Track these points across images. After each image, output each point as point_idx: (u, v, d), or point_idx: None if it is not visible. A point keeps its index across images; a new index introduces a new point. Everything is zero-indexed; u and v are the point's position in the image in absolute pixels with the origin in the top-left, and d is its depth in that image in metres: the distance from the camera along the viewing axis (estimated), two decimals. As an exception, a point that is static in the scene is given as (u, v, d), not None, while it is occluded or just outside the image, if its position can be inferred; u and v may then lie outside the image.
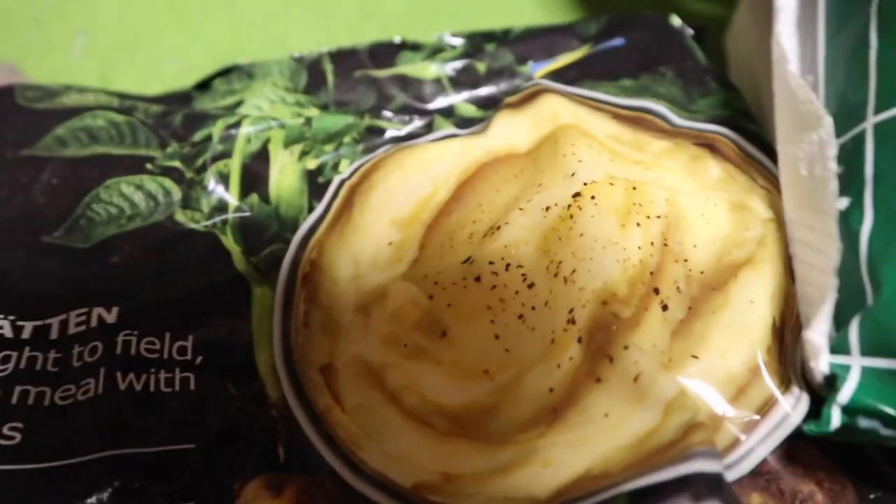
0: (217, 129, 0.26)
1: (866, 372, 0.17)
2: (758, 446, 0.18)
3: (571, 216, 0.21)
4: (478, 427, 0.19)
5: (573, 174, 0.22)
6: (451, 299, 0.21)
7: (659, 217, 0.22)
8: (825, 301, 0.18)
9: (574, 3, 0.38)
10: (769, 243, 0.21)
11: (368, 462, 0.19)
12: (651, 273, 0.21)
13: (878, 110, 0.19)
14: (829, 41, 0.22)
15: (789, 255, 0.21)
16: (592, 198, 0.21)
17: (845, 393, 0.17)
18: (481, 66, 0.29)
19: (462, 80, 0.29)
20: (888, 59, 0.19)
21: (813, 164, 0.20)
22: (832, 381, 0.17)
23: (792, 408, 0.19)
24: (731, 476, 0.17)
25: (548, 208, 0.22)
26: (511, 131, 0.26)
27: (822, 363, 0.18)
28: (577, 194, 0.22)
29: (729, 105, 0.27)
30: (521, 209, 0.22)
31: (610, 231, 0.21)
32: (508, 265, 0.21)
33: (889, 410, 0.16)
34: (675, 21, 0.30)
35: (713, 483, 0.16)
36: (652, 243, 0.21)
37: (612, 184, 0.22)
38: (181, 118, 0.27)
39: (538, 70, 0.30)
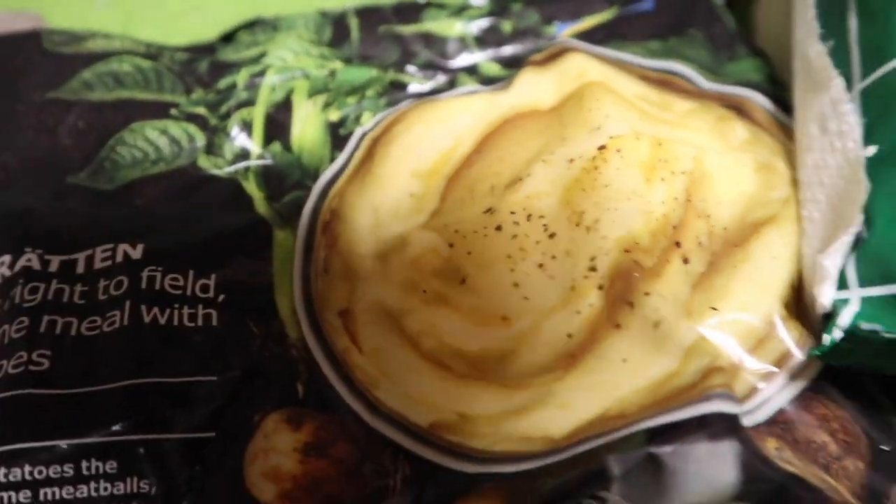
0: (242, 77, 0.27)
1: (865, 300, 0.17)
2: (775, 396, 0.19)
3: (596, 167, 0.22)
4: (495, 371, 0.20)
5: (599, 128, 0.23)
6: (471, 248, 0.22)
7: (684, 173, 0.22)
8: (846, 234, 0.18)
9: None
10: (795, 203, 0.22)
11: (385, 402, 0.20)
12: (674, 227, 0.21)
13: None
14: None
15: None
16: (618, 151, 0.22)
17: (845, 317, 0.17)
18: (507, 26, 0.30)
19: (487, 39, 0.29)
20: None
21: (826, 122, 0.21)
22: (834, 310, 0.18)
23: (796, 347, 0.19)
24: (747, 422, 0.18)
25: (572, 160, 0.22)
26: (535, 88, 0.26)
27: (826, 294, 0.18)
28: (602, 147, 0.22)
29: (758, 70, 0.27)
30: (543, 161, 0.23)
31: (634, 184, 0.21)
32: (530, 215, 0.22)
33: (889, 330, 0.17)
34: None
35: (731, 424, 0.16)
36: (676, 198, 0.21)
37: (638, 139, 0.22)
38: (207, 65, 0.27)
39: (563, 31, 0.30)
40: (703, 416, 0.16)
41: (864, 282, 0.18)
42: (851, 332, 0.17)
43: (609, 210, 0.20)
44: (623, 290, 0.19)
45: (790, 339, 0.20)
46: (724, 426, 0.16)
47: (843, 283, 0.18)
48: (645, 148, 0.22)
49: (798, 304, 0.20)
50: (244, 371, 0.20)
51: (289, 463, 0.18)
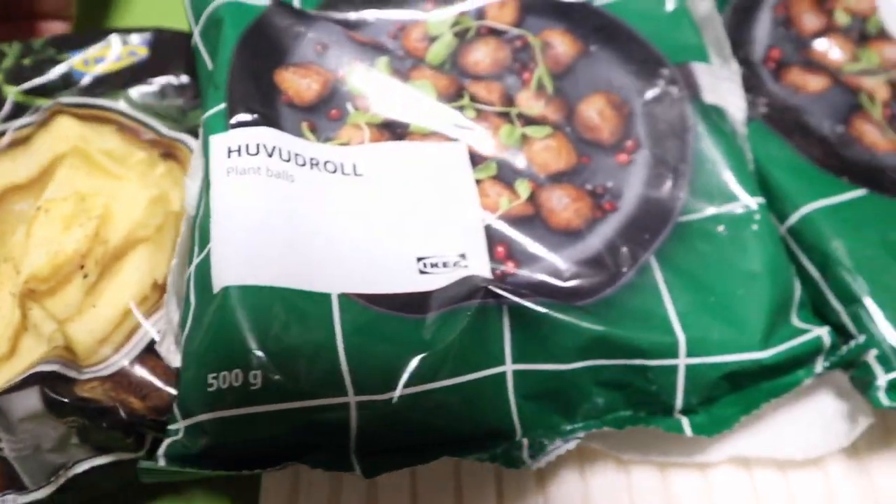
0: None
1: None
2: (122, 359, 0.33)
3: (31, 224, 0.35)
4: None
5: (46, 193, 0.36)
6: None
7: (96, 217, 0.35)
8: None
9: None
10: (166, 229, 0.36)
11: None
12: (82, 255, 0.35)
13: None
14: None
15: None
16: (46, 210, 0.35)
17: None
18: (27, 62, 0.42)
19: (12, 77, 0.41)
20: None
21: None
22: None
23: (152, 325, 0.34)
24: (69, 375, 0.32)
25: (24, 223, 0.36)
26: (9, 172, 0.38)
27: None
28: (38, 208, 0.35)
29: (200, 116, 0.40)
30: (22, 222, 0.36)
31: (52, 233, 0.35)
32: (6, 260, 0.35)
33: None
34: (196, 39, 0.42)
35: (49, 375, 0.31)
36: (87, 236, 0.35)
37: (65, 200, 0.36)
38: None
39: (75, 57, 0.42)
40: (39, 371, 0.31)
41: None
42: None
43: (27, 255, 0.34)
44: (23, 306, 0.33)
45: (141, 317, 0.34)
46: (46, 376, 0.31)
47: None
48: (70, 205, 0.36)
49: (160, 295, 0.34)
50: None
51: None
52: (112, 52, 0.42)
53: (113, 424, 0.31)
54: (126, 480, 0.35)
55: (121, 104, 0.40)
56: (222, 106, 0.34)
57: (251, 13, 0.37)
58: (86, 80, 0.42)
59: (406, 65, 0.37)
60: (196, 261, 0.32)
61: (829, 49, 0.42)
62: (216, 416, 0.28)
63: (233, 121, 0.34)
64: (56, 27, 0.47)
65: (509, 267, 0.33)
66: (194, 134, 0.39)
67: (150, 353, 0.33)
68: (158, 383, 0.33)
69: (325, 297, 0.30)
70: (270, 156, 0.32)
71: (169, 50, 0.43)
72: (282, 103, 0.35)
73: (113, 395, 0.32)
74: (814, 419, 0.34)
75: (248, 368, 0.28)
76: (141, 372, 0.33)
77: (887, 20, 0.43)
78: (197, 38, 0.38)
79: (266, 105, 0.34)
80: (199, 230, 0.32)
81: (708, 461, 0.33)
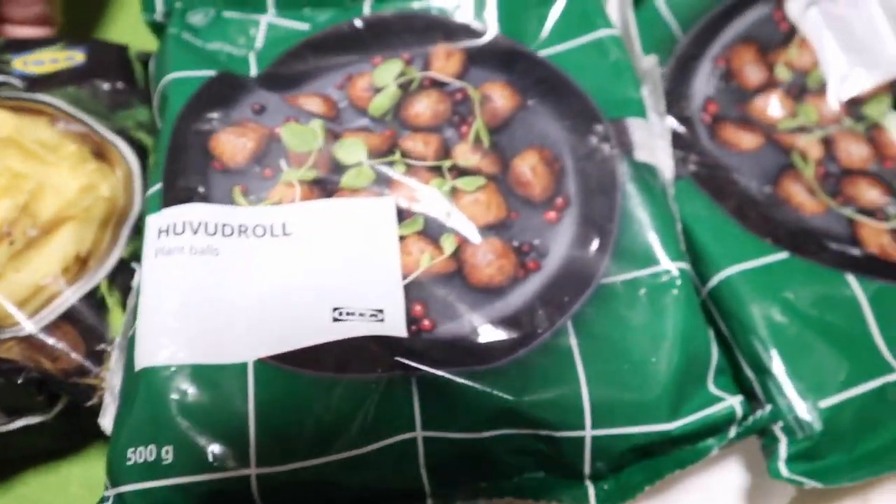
0: None
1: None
2: (37, 322, 0.36)
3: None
4: None
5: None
6: None
7: (27, 192, 0.39)
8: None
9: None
10: (94, 209, 0.40)
11: None
12: (9, 224, 0.38)
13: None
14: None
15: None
16: (-15, 186, 0.39)
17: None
18: None
19: None
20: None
21: None
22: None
23: (72, 293, 0.37)
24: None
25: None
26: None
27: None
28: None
29: (131, 118, 0.44)
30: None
31: (-16, 202, 0.38)
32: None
33: None
34: (131, 49, 0.47)
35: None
36: (16, 206, 0.38)
37: (2, 175, 0.39)
38: None
39: (17, 58, 0.46)
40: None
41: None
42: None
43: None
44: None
45: (64, 287, 0.37)
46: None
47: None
48: (4, 179, 0.39)
49: (83, 266, 0.38)
50: None
51: None
52: (50, 56, 0.46)
53: (28, 381, 0.35)
54: (35, 448, 0.37)
55: (54, 99, 0.44)
56: (159, 186, 0.36)
57: (193, 87, 0.39)
58: (23, 78, 0.45)
59: (340, 128, 0.39)
60: (129, 337, 0.34)
61: (768, 104, 0.41)
62: (135, 489, 0.30)
63: (166, 200, 0.36)
64: (36, 33, 0.50)
65: (425, 325, 0.33)
66: (123, 136, 0.44)
67: (64, 321, 0.37)
68: (68, 349, 0.36)
69: (241, 368, 0.32)
70: (196, 233, 0.34)
71: (104, 58, 0.47)
72: (214, 171, 0.36)
73: (27, 354, 0.35)
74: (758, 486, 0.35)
75: (161, 444, 0.30)
76: (53, 336, 0.36)
77: (829, 75, 0.42)
78: (155, 111, 0.42)
79: (197, 177, 0.36)
80: (135, 308, 0.34)
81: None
